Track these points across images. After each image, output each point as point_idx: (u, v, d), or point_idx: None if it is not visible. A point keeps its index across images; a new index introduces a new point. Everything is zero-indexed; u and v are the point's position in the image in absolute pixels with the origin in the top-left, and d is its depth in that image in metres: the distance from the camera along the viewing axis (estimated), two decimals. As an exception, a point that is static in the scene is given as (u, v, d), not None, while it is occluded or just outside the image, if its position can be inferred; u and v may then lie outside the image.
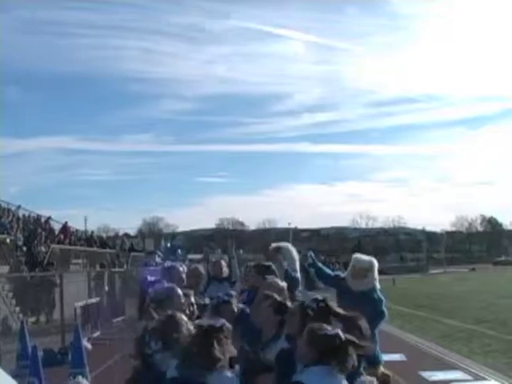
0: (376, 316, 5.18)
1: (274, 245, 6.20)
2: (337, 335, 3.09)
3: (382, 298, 5.65)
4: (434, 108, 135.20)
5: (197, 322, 3.45)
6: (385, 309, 5.53)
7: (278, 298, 4.05)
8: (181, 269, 5.31)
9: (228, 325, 3.26)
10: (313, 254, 6.02)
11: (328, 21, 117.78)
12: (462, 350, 10.39)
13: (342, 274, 6.00)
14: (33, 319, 16.77)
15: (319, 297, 3.66)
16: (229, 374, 3.15)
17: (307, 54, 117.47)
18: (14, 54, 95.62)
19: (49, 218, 26.70)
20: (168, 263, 6.34)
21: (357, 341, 3.13)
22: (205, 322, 3.33)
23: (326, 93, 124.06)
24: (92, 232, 34.20)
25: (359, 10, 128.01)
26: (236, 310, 4.12)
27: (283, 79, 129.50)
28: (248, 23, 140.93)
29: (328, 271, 6.15)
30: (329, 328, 3.15)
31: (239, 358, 3.33)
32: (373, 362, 4.81)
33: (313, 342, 3.09)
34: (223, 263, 6.75)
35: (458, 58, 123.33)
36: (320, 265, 6.06)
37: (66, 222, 27.77)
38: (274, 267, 5.18)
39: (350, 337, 3.13)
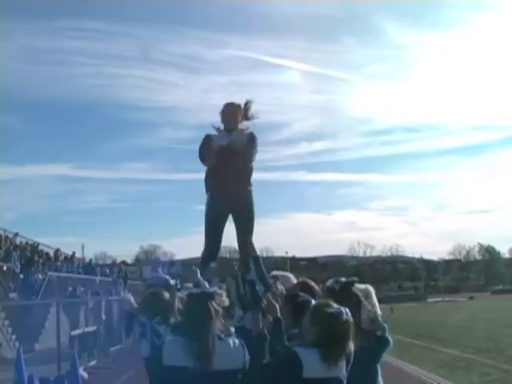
0: (380, 343, 5.13)
1: (273, 273, 6.19)
2: (340, 314, 2.81)
3: (384, 324, 5.58)
4: (431, 137, 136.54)
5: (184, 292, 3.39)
6: (389, 336, 5.50)
7: None
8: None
9: (219, 291, 3.06)
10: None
11: (325, 51, 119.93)
12: (462, 380, 10.32)
13: None
14: (28, 347, 16.59)
15: (341, 278, 3.56)
16: (233, 341, 2.95)
17: (304, 83, 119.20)
18: (14, 82, 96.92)
19: (57, 250, 27.24)
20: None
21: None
22: (194, 290, 3.11)
23: (323, 122, 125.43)
24: (90, 260, 34.14)
25: (356, 39, 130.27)
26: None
27: (280, 108, 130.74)
28: (245, 53, 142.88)
29: None
30: (334, 306, 2.86)
31: None
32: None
33: (316, 321, 2.81)
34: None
35: (456, 87, 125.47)
36: None
37: (74, 253, 28.38)
38: None
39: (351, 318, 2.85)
